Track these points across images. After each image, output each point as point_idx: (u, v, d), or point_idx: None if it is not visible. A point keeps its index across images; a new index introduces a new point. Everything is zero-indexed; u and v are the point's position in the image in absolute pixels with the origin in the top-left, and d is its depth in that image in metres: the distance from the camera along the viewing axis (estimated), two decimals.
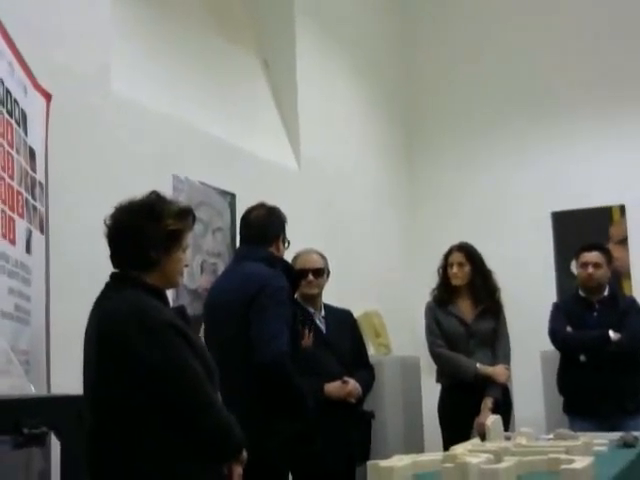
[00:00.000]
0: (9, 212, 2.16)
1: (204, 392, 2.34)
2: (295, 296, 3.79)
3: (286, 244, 3.40)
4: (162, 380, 2.28)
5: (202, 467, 2.33)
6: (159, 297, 2.40)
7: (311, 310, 3.88)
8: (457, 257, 4.41)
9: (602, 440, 3.20)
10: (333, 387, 3.70)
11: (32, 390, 1.55)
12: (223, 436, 2.38)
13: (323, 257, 3.96)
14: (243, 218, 3.47)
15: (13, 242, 2.19)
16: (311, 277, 3.85)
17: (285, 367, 3.01)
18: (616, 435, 3.37)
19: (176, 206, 2.44)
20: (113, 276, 2.42)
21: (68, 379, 2.53)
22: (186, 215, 2.45)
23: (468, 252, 4.41)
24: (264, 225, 3.32)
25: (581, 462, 2.43)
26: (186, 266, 2.53)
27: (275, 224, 3.34)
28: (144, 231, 2.33)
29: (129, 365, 2.27)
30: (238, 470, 2.46)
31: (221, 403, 2.47)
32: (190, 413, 2.31)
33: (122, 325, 2.27)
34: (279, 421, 3.00)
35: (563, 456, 2.58)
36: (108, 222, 2.39)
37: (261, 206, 3.40)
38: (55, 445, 1.24)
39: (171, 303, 2.82)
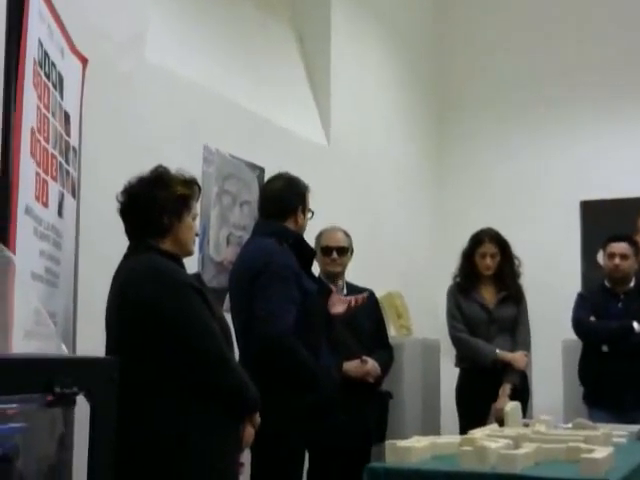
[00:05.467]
0: (43, 175, 2.17)
1: (219, 347, 2.40)
2: (318, 274, 3.81)
3: (309, 214, 3.31)
4: (178, 333, 2.35)
5: (216, 427, 2.38)
6: (176, 262, 2.50)
7: (333, 288, 3.88)
8: (490, 248, 4.35)
9: (621, 432, 3.19)
10: (352, 366, 3.71)
11: (64, 350, 1.57)
12: (237, 391, 2.44)
13: (348, 235, 3.95)
14: (262, 190, 3.45)
15: (46, 205, 2.20)
16: (335, 255, 3.86)
17: (287, 345, 2.96)
18: (635, 427, 3.35)
19: (182, 175, 2.57)
20: (130, 246, 2.53)
21: (93, 343, 2.56)
22: (192, 183, 2.58)
23: (499, 241, 4.38)
24: (280, 199, 3.25)
25: (601, 452, 2.43)
26: (197, 235, 2.63)
27: (292, 198, 3.24)
28: (155, 198, 2.45)
29: (148, 319, 2.35)
30: (250, 430, 2.52)
31: (237, 363, 2.52)
32: (204, 366, 2.37)
33: (141, 282, 2.38)
34: (290, 395, 2.99)
35: (583, 445, 2.58)
36: (120, 198, 2.51)
37: (279, 177, 3.32)
38: (85, 407, 1.26)
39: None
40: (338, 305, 3.36)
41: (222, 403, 2.40)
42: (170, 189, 2.48)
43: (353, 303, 3.36)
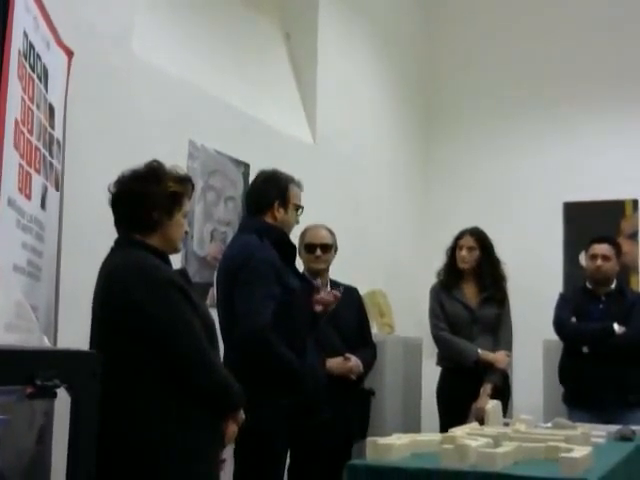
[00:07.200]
0: (27, 167, 2.16)
1: (200, 346, 2.39)
2: (302, 270, 3.81)
3: (299, 210, 3.29)
4: (160, 332, 2.35)
5: (198, 423, 2.38)
6: (161, 258, 2.48)
7: (317, 284, 3.88)
8: (467, 241, 4.40)
9: (600, 432, 3.22)
10: (334, 363, 3.71)
11: (46, 344, 1.56)
12: (219, 391, 2.44)
13: (331, 233, 3.95)
14: (248, 186, 3.47)
15: (29, 197, 2.19)
16: (319, 252, 3.85)
17: (267, 341, 2.97)
18: (614, 428, 3.38)
19: (176, 171, 2.56)
20: (117, 240, 2.52)
21: (74, 336, 2.55)
22: (186, 181, 2.57)
23: (479, 237, 4.41)
24: (257, 193, 3.26)
25: (580, 451, 2.45)
26: (186, 233, 2.61)
27: (269, 191, 3.23)
28: (147, 193, 2.43)
29: (129, 317, 2.34)
30: (233, 427, 2.51)
31: (220, 361, 2.52)
32: (184, 366, 2.37)
33: (123, 279, 2.37)
34: (274, 392, 3.00)
35: (562, 444, 2.60)
36: (112, 189, 2.49)
37: (261, 173, 3.33)
38: (66, 399, 1.25)
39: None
40: (317, 304, 3.37)
41: (204, 401, 2.39)
42: (163, 185, 2.46)
43: (326, 298, 3.36)
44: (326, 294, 3.39)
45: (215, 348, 2.56)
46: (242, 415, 2.53)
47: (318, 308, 3.35)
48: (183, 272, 2.67)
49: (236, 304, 3.02)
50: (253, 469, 3.04)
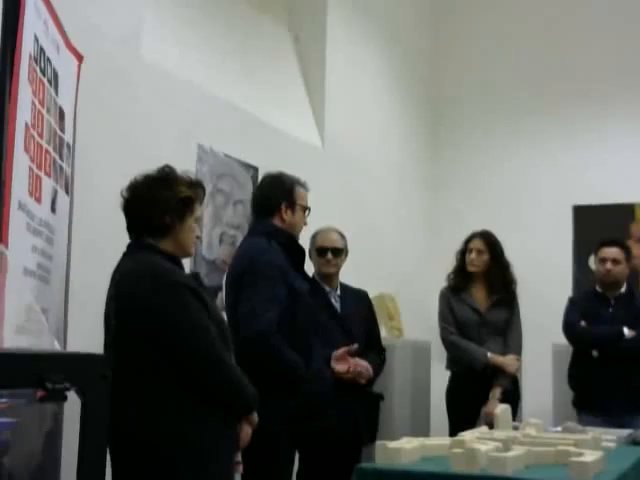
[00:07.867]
0: (37, 170, 2.17)
1: (213, 348, 2.40)
2: (312, 274, 3.81)
3: (306, 212, 3.29)
4: (172, 334, 2.36)
5: (212, 425, 2.38)
6: (173, 262, 2.50)
7: (327, 289, 3.88)
8: (477, 244, 4.40)
9: (610, 436, 3.20)
10: (343, 368, 3.70)
11: (57, 347, 1.57)
12: (233, 391, 2.45)
13: (343, 236, 3.95)
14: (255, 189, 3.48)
15: (39, 200, 2.20)
16: (330, 256, 3.85)
17: (268, 343, 2.96)
18: (624, 432, 3.36)
19: (188, 176, 2.58)
20: (129, 245, 2.53)
21: (84, 340, 2.55)
22: (197, 185, 2.59)
23: (489, 240, 4.40)
24: (264, 196, 3.27)
25: (591, 456, 2.43)
26: (198, 237, 2.62)
27: (274, 194, 3.23)
28: (159, 197, 2.45)
29: (142, 320, 2.35)
30: (247, 429, 2.52)
31: (233, 363, 2.53)
32: (198, 367, 2.38)
33: (135, 283, 2.39)
34: (277, 394, 2.97)
35: (572, 449, 2.59)
36: (125, 194, 2.50)
37: (268, 175, 3.34)
38: (76, 403, 1.25)
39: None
40: (341, 363, 3.53)
41: (218, 402, 2.40)
42: (174, 190, 2.48)
43: (352, 368, 3.56)
44: (360, 367, 3.61)
45: (229, 350, 2.57)
46: (256, 417, 2.53)
47: (343, 370, 3.53)
48: (196, 276, 2.70)
49: (239, 306, 3.03)
50: (257, 470, 3.03)
